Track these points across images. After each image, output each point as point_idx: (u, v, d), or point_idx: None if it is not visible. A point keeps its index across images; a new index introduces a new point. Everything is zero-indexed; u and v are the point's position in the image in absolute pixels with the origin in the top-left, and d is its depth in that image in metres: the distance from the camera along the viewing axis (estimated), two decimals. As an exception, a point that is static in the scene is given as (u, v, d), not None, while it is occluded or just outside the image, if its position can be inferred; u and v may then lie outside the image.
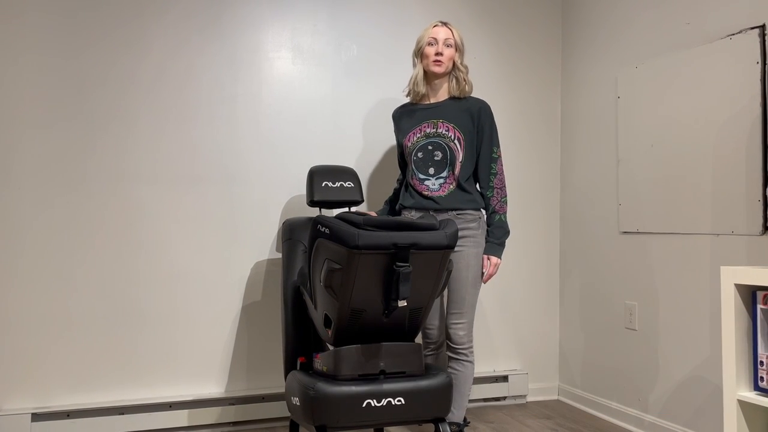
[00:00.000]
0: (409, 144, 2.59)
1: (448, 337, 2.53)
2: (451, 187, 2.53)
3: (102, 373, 2.76)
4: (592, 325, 3.24)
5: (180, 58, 2.89)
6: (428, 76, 2.58)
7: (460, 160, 2.53)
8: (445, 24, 2.57)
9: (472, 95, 2.61)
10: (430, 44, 2.52)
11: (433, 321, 2.62)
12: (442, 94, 2.59)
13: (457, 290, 2.51)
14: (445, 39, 2.52)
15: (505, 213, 2.58)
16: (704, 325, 2.59)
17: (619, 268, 3.05)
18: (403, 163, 2.72)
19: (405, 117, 2.66)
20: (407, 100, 2.69)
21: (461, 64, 2.56)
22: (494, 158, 2.56)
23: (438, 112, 2.56)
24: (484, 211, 2.59)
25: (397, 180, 2.82)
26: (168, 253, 2.85)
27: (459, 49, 2.55)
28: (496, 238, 2.55)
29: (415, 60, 2.60)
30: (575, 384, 3.37)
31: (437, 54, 2.50)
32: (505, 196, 2.59)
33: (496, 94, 3.34)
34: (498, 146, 2.58)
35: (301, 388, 2.03)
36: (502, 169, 2.59)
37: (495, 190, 2.57)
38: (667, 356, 2.76)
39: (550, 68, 3.51)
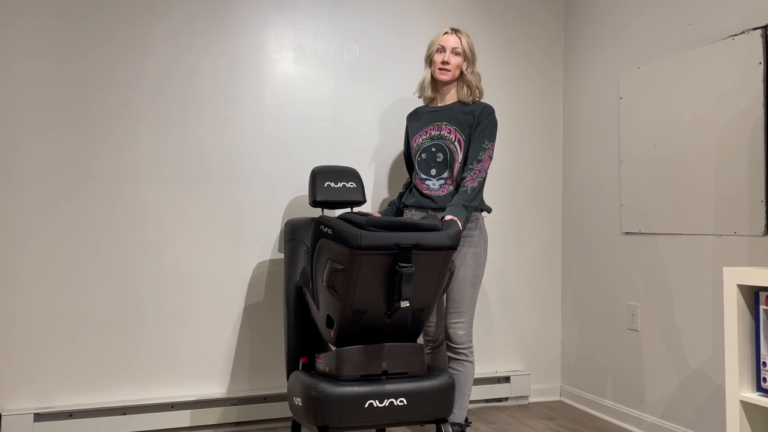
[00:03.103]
0: (415, 145, 2.64)
1: (448, 336, 2.53)
2: (450, 188, 2.56)
3: (104, 374, 2.76)
4: (594, 326, 3.24)
5: (183, 60, 2.89)
6: (436, 82, 2.62)
7: (459, 161, 2.55)
8: (455, 31, 2.59)
9: (481, 101, 2.64)
10: (438, 51, 2.58)
11: (431, 318, 2.62)
12: (449, 99, 2.63)
13: (456, 290, 2.51)
14: (453, 47, 2.56)
15: (475, 189, 2.46)
16: (707, 326, 2.58)
17: (621, 269, 3.05)
18: (410, 165, 2.76)
19: (414, 119, 2.71)
20: (410, 100, 2.70)
21: (470, 72, 2.58)
22: (483, 148, 2.51)
23: (443, 115, 2.60)
24: (481, 213, 2.59)
25: (404, 185, 2.83)
26: (170, 253, 2.86)
27: (467, 57, 2.57)
28: (457, 199, 2.44)
29: (425, 64, 2.65)
30: (577, 385, 3.36)
31: (444, 62, 2.55)
32: (482, 179, 2.49)
33: (498, 95, 3.34)
34: (491, 141, 2.53)
35: (304, 389, 2.03)
36: (488, 161, 2.51)
37: (474, 171, 2.49)
38: (670, 357, 2.76)
39: (552, 69, 3.51)
